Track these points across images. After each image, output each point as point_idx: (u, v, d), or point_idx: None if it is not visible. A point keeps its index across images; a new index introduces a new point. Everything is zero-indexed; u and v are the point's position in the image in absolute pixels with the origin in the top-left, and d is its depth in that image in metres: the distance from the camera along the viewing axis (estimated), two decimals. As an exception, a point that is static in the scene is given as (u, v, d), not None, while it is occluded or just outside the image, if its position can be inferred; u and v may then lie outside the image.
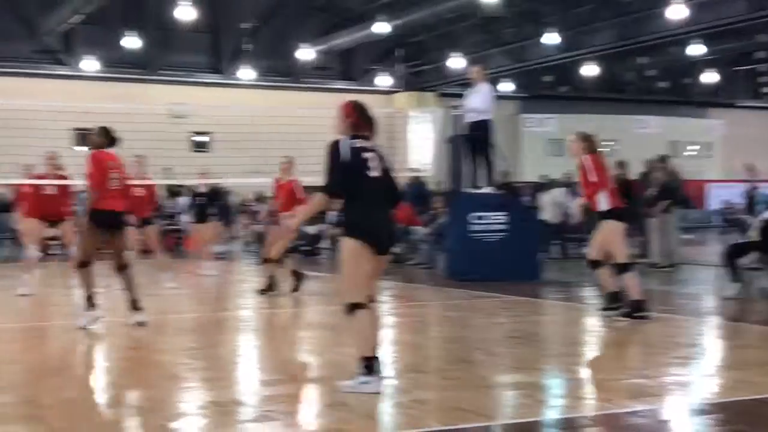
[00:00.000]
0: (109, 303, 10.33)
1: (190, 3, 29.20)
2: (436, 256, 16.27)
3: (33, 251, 11.88)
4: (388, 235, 6.07)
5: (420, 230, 17.03)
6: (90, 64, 31.05)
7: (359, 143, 5.95)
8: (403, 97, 34.89)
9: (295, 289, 11.94)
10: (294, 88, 34.06)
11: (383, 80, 35.37)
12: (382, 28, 29.91)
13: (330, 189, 5.91)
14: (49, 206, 11.54)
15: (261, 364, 7.41)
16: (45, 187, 11.71)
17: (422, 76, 35.73)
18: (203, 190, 15.94)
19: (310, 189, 24.34)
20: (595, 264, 9.29)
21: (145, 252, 13.42)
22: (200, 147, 31.78)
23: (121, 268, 8.87)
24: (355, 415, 5.27)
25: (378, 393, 5.68)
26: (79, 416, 5.36)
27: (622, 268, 9.15)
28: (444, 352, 7.99)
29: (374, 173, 5.93)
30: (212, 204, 16.17)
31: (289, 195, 12.19)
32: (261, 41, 34.04)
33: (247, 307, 11.69)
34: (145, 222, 12.78)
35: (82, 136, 29.59)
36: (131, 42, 31.19)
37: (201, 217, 15.92)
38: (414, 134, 35.39)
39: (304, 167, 22.23)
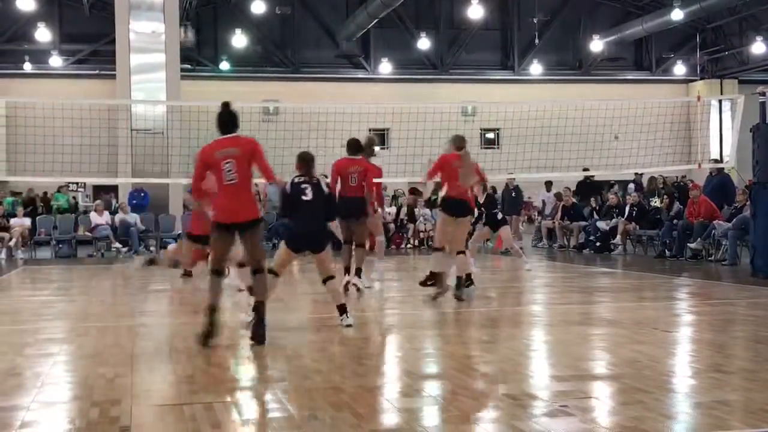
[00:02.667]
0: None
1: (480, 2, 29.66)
2: (740, 252, 15.48)
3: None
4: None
5: (721, 225, 16.15)
6: (385, 66, 32.37)
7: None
8: (701, 86, 33.37)
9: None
10: (583, 81, 33.58)
11: (679, 69, 34.06)
12: (677, 14, 28.86)
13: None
14: None
15: (553, 359, 7.35)
16: None
17: (722, 63, 33.96)
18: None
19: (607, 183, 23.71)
20: None
21: None
22: (489, 144, 32.13)
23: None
24: (653, 414, 5.09)
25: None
26: (379, 403, 5.59)
27: None
28: (750, 352, 7.51)
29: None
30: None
31: None
32: (550, 35, 33.84)
33: (538, 302, 11.67)
34: None
35: (379, 137, 31.13)
36: (424, 43, 32.17)
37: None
38: (714, 124, 33.73)
39: (591, 161, 21.94)
